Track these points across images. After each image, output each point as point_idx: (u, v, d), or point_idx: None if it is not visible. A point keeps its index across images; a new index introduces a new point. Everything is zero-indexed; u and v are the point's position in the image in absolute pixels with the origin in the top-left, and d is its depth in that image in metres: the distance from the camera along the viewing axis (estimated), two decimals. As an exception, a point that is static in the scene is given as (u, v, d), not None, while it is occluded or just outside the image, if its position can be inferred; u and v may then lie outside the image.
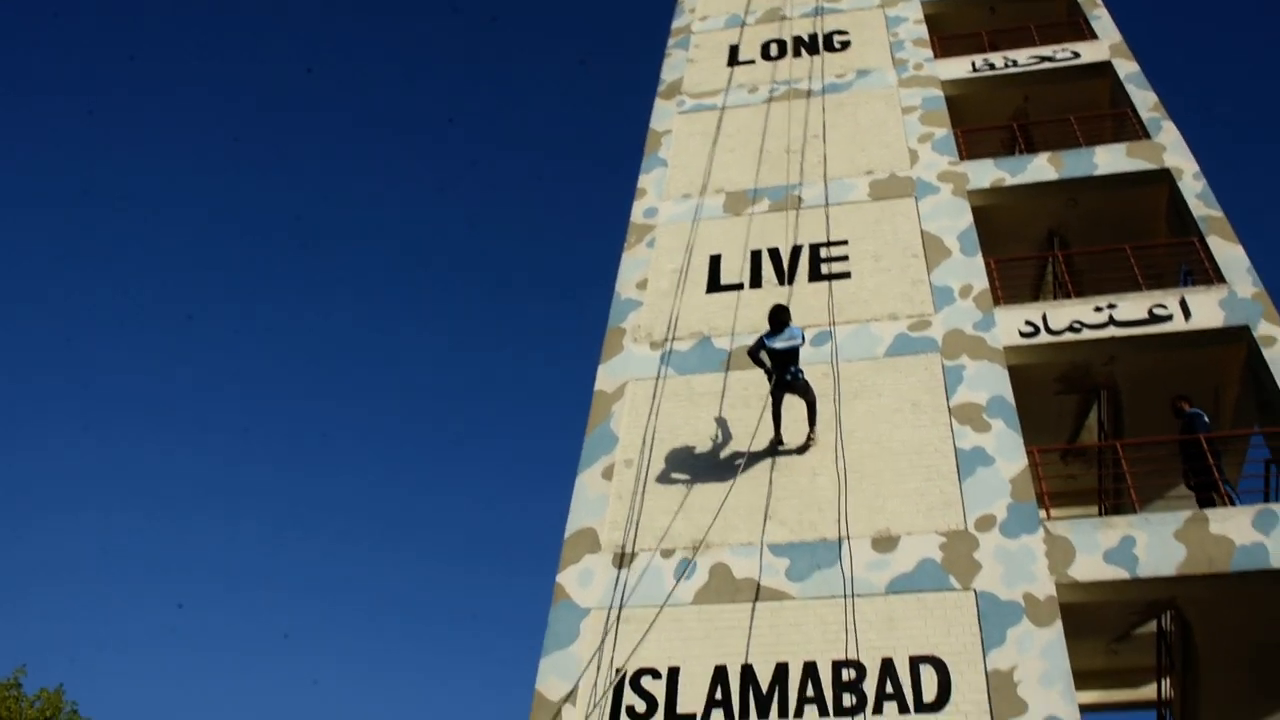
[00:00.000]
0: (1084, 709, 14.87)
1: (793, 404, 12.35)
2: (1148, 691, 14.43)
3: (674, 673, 10.56)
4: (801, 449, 12.25)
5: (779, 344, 11.83)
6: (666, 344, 14.14)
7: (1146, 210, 15.30)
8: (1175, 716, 13.17)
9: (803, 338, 12.02)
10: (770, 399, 12.18)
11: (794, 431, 12.41)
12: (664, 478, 12.47)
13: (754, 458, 12.34)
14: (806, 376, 12.11)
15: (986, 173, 15.66)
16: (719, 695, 10.29)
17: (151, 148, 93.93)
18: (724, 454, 12.58)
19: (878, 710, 9.84)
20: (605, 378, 13.91)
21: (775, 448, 12.34)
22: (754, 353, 12.05)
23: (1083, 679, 14.02)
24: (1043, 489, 11.84)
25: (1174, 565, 10.30)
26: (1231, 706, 12.08)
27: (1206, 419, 12.18)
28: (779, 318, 11.89)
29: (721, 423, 12.92)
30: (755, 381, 13.33)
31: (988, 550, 10.83)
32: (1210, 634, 11.50)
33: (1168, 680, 13.32)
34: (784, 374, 11.93)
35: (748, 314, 14.23)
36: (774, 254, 15.22)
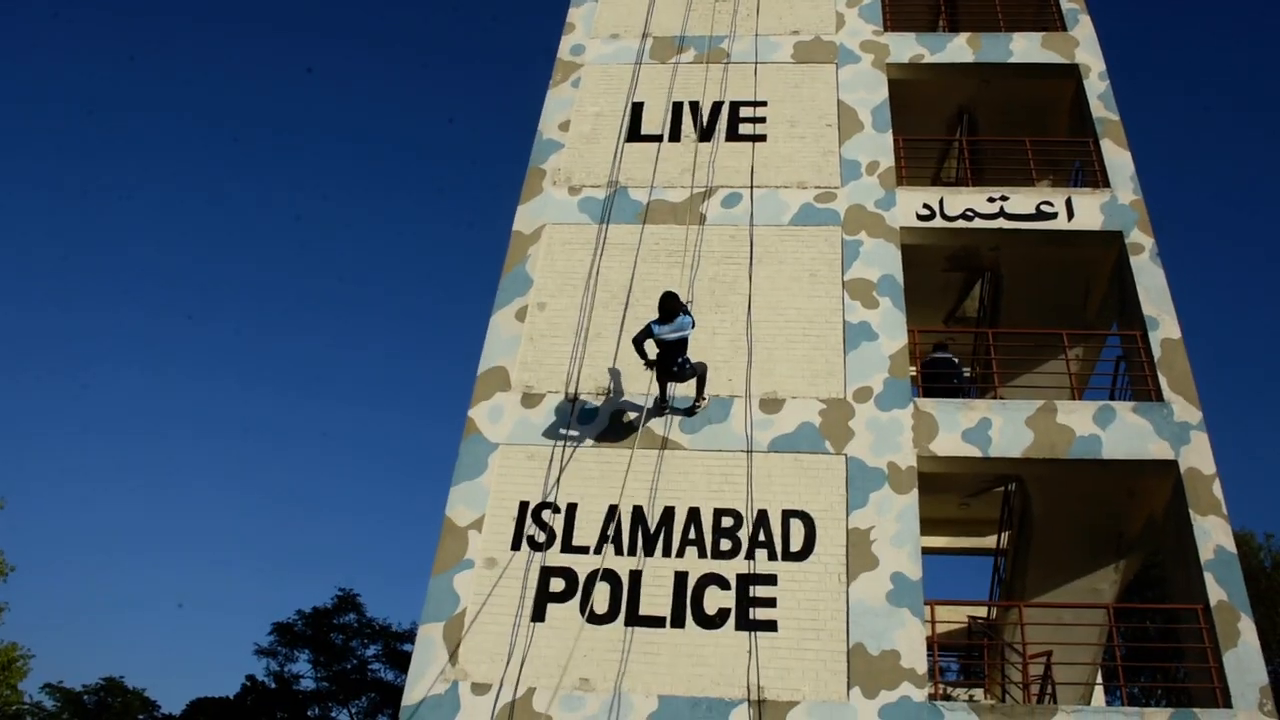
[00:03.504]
0: (934, 551, 16.77)
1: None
2: (988, 541, 16.21)
3: (572, 508, 11.60)
4: (689, 411, 12.06)
5: (668, 334, 11.30)
6: (583, 190, 14.58)
7: (1052, 102, 16.02)
8: (1008, 564, 14.92)
9: (692, 325, 11.43)
10: (656, 380, 11.84)
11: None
12: (574, 324, 13.17)
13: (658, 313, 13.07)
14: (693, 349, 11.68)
15: (907, 47, 16.11)
16: (610, 531, 11.40)
17: (151, 148, 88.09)
18: (631, 306, 13.25)
19: (750, 556, 11.08)
20: (524, 218, 14.35)
21: (661, 409, 12.03)
22: (639, 342, 11.52)
23: (935, 526, 15.78)
24: (918, 377, 12.94)
25: (1021, 448, 11.62)
26: (1054, 562, 13.75)
27: (954, 360, 13.66)
28: (669, 305, 11.28)
29: (632, 275, 13.55)
30: (668, 236, 14.00)
31: (861, 420, 11.97)
32: (1046, 504, 13.02)
33: (1006, 535, 15.01)
34: (670, 364, 11.47)
35: (666, 168, 14.72)
36: (694, 107, 15.60)
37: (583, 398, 12.43)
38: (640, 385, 12.33)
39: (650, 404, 12.09)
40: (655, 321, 11.37)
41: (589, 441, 12.08)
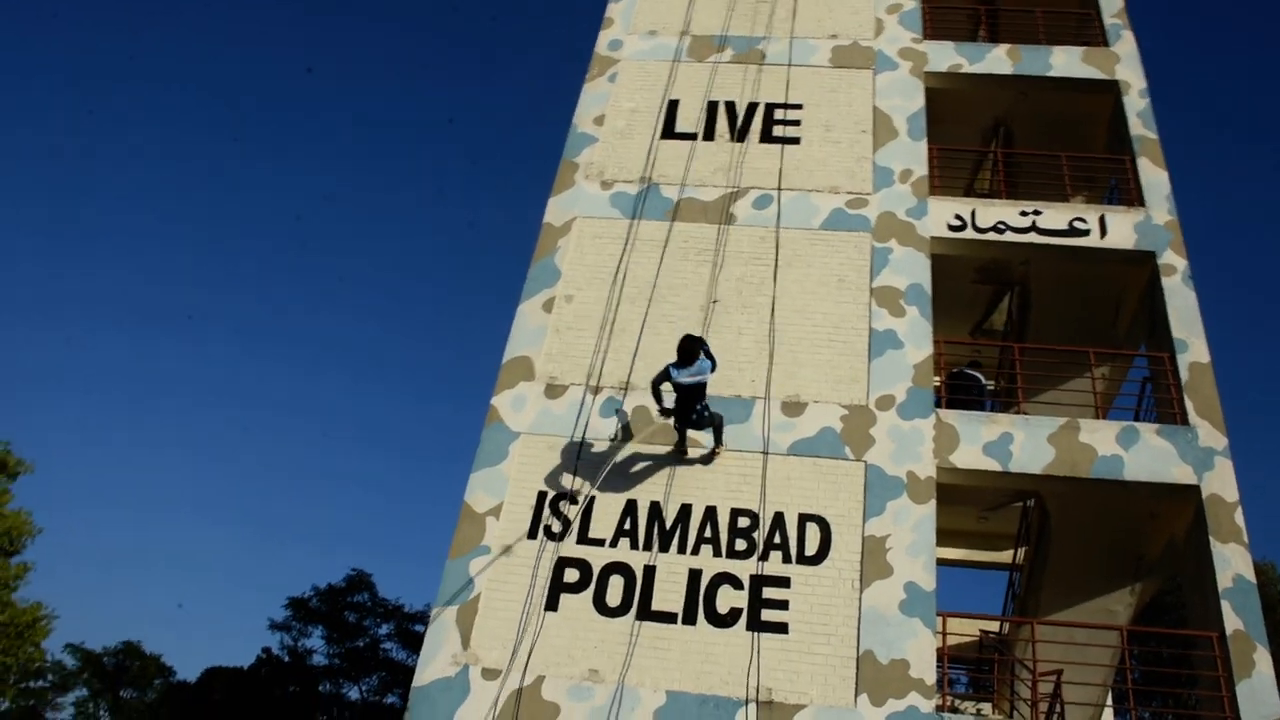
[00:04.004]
0: (949, 563, 16.73)
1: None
2: (1004, 556, 16.18)
3: (590, 501, 11.65)
4: (706, 459, 11.78)
5: (685, 379, 10.81)
6: (615, 185, 14.62)
7: (1090, 117, 15.93)
8: (1023, 579, 14.87)
9: (711, 369, 10.94)
10: (674, 427, 11.49)
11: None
12: (600, 318, 13.21)
13: (685, 312, 13.13)
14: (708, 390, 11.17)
15: (946, 56, 16.05)
16: (627, 526, 11.45)
17: (151, 148, 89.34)
18: (655, 303, 13.29)
19: (764, 557, 11.11)
20: (555, 210, 14.41)
21: (680, 455, 11.77)
22: (655, 385, 11.09)
23: (952, 537, 15.75)
24: (943, 388, 12.92)
25: (1042, 465, 11.58)
26: (1069, 581, 13.68)
27: (980, 381, 13.76)
28: (689, 347, 10.77)
29: (661, 272, 13.58)
30: (697, 235, 14.02)
31: (883, 427, 11.96)
32: (1064, 521, 12.97)
33: (1023, 550, 14.97)
34: (688, 411, 11.07)
35: (698, 166, 14.75)
36: (730, 107, 15.60)
37: (606, 391, 12.47)
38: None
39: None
40: (673, 365, 10.87)
41: (611, 435, 12.12)
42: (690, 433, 11.69)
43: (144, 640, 40.56)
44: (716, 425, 11.46)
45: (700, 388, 10.93)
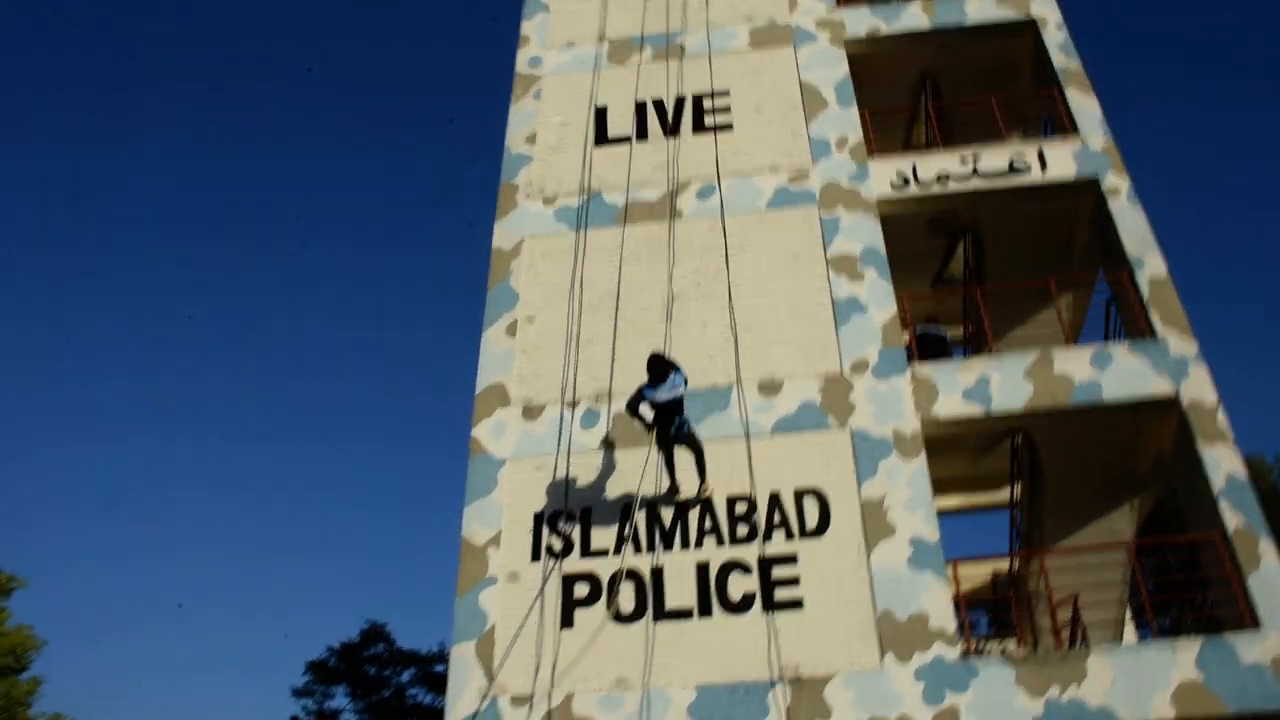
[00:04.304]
0: (950, 512, 16.84)
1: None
2: (1002, 495, 16.28)
3: (586, 513, 11.66)
4: (695, 501, 11.54)
5: (661, 396, 10.78)
6: (558, 200, 14.66)
7: (1014, 58, 16.13)
8: (1024, 515, 15.00)
9: (685, 383, 10.91)
10: (658, 451, 11.40)
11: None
12: (565, 332, 13.24)
13: (647, 313, 13.17)
14: (686, 416, 11.03)
15: (862, 21, 16.21)
16: (627, 532, 11.45)
17: (151, 148, 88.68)
18: (619, 309, 13.31)
19: (768, 538, 11.15)
20: (502, 234, 14.41)
21: (673, 496, 11.55)
22: (633, 407, 11.01)
23: (948, 486, 15.85)
24: (913, 343, 13.02)
25: (1022, 401, 11.71)
26: (1069, 509, 13.82)
27: (943, 334, 13.95)
28: (658, 366, 10.78)
29: (617, 278, 13.62)
30: (647, 236, 14.06)
31: (861, 392, 12.05)
32: (1053, 451, 13.12)
33: (1019, 486, 15.09)
34: (668, 427, 10.96)
35: (637, 168, 14.80)
36: (659, 105, 15.67)
37: (583, 404, 12.49)
38: (633, 385, 12.41)
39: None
40: (646, 385, 10.87)
41: (594, 446, 12.14)
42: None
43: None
44: (698, 454, 11.22)
45: (677, 402, 10.87)
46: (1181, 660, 9.70)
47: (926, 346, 13.55)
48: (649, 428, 11.18)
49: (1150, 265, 12.58)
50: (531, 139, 15.50)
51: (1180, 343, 11.87)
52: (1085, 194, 13.66)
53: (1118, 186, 13.35)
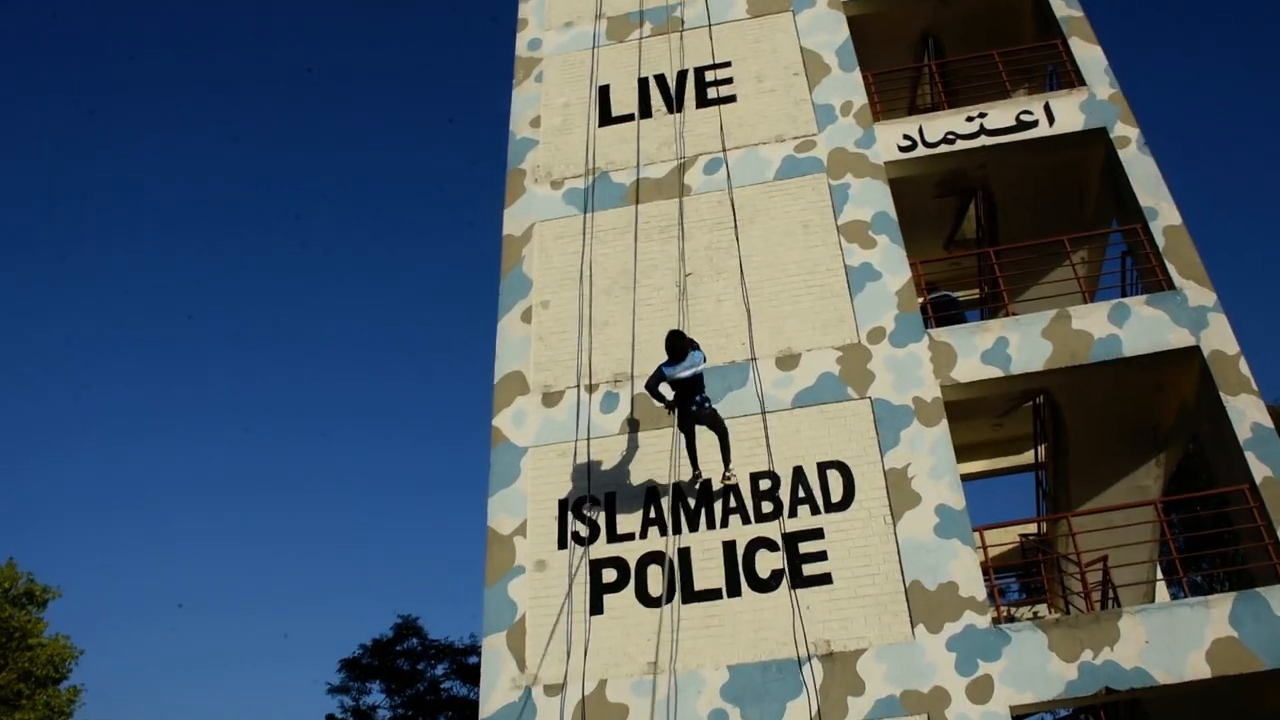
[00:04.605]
0: (975, 477, 16.77)
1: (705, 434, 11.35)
2: (1027, 458, 16.21)
3: (610, 498, 11.66)
4: (720, 490, 11.41)
5: (681, 373, 10.62)
6: (566, 182, 14.57)
7: (1014, 10, 15.92)
8: (1049, 476, 14.92)
9: (703, 359, 10.77)
10: (681, 434, 11.20)
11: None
12: (579, 316, 13.19)
13: (661, 292, 13.11)
14: (707, 398, 10.88)
15: (860, -20, 15.99)
16: (653, 514, 11.45)
17: (151, 148, 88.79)
18: (634, 288, 13.26)
19: (793, 514, 11.12)
20: (512, 221, 14.35)
21: (695, 485, 11.47)
22: (652, 386, 10.86)
23: (972, 451, 15.78)
24: (929, 312, 12.91)
25: (1042, 361, 11.59)
26: (1094, 468, 13.76)
27: (953, 297, 13.95)
28: (677, 344, 10.59)
29: (628, 258, 13.55)
30: (656, 213, 13.97)
31: (879, 360, 11.96)
32: (1076, 410, 13.02)
33: (1043, 447, 15.00)
34: (689, 404, 10.80)
35: (643, 146, 14.68)
36: (660, 80, 15.52)
37: (602, 387, 12.45)
38: (651, 365, 12.35)
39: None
40: (665, 363, 10.73)
41: (616, 429, 12.11)
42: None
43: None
44: (721, 434, 11.07)
45: (697, 379, 10.72)
46: (1215, 617, 9.63)
47: (939, 312, 13.45)
48: (669, 407, 11.03)
49: (1164, 215, 12.41)
50: (535, 122, 15.39)
51: (1199, 292, 11.72)
52: (1095, 145, 13.47)
53: (1127, 136, 13.16)
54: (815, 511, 11.09)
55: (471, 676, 32.92)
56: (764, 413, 11.80)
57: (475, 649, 31.62)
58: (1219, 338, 11.36)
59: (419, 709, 34.17)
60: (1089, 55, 14.13)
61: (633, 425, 12.06)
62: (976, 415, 14.01)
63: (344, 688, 34.78)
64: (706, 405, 10.89)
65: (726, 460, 11.18)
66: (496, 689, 10.59)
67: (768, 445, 11.57)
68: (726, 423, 11.23)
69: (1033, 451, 15.64)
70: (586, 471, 11.84)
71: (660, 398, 10.98)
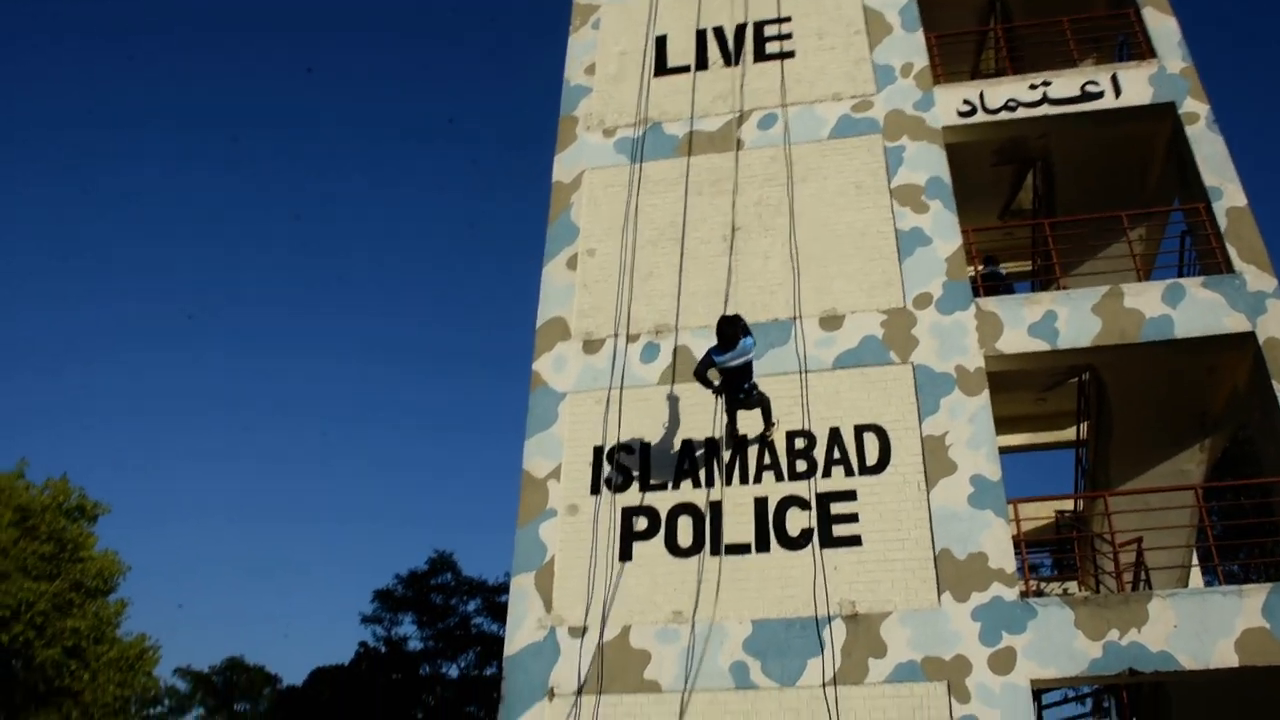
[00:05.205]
0: (1014, 450, 16.63)
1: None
2: (1068, 434, 16.02)
3: (645, 447, 11.71)
4: (757, 441, 11.45)
5: (731, 362, 10.43)
6: (618, 131, 14.49)
7: (1087, -26, 15.51)
8: (1090, 454, 14.75)
9: (754, 346, 10.53)
10: (725, 413, 11.31)
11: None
12: (625, 265, 13.17)
13: (708, 245, 13.05)
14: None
15: (929, -60, 15.62)
16: (686, 466, 11.49)
17: (151, 148, 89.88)
18: (681, 240, 13.22)
19: (826, 474, 11.11)
20: (562, 168, 14.32)
21: (733, 438, 11.48)
22: (700, 373, 10.72)
23: (1012, 424, 15.64)
24: (979, 283, 12.74)
25: (1090, 337, 11.42)
26: (1137, 448, 13.56)
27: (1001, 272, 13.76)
28: (728, 330, 10.33)
29: (677, 210, 13.49)
30: (708, 167, 13.87)
31: (924, 326, 11.85)
32: (1121, 389, 12.81)
33: (1085, 424, 14.83)
34: (736, 392, 10.73)
35: (698, 98, 14.55)
36: (719, 33, 15.33)
37: (643, 338, 12.46)
38: (699, 319, 12.34)
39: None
40: (714, 350, 10.48)
41: (654, 380, 12.13)
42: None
43: (245, 654, 41.60)
44: (764, 406, 11.07)
45: (746, 367, 10.55)
46: (1248, 606, 9.52)
47: (986, 286, 13.29)
48: (717, 392, 10.94)
49: (1229, 195, 12.11)
50: (590, 70, 15.29)
51: (1259, 277, 11.46)
52: (1161, 120, 13.14)
53: (1196, 112, 12.82)
54: (849, 473, 11.07)
55: (502, 614, 33.41)
56: (803, 372, 11.75)
57: (507, 587, 32.11)
58: (1276, 324, 11.11)
59: (449, 642, 34.81)
60: (1162, 26, 13.75)
61: (671, 377, 12.07)
62: (1020, 388, 13.84)
63: (376, 618, 35.51)
64: (755, 392, 10.82)
65: (767, 422, 11.23)
66: (522, 628, 10.75)
67: (805, 405, 11.54)
68: (765, 379, 11.21)
69: (1074, 428, 15.45)
70: (622, 420, 11.89)
71: (708, 384, 10.83)
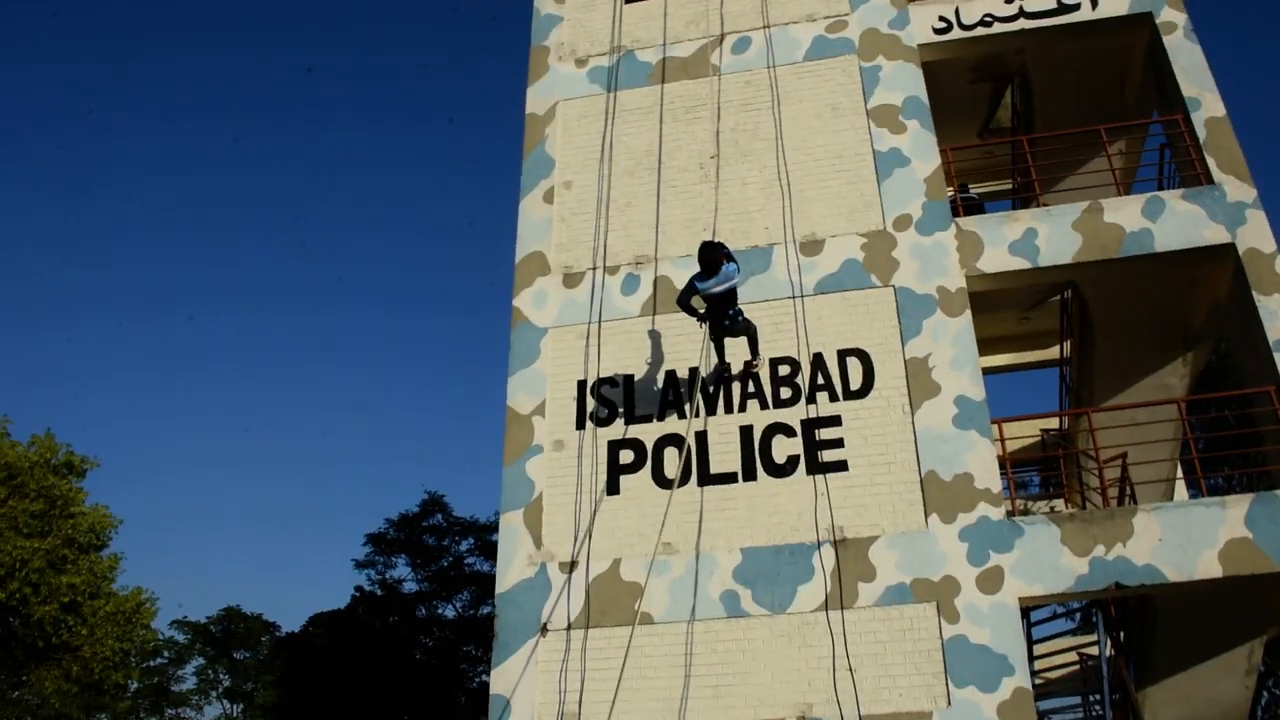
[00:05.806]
0: (998, 370, 16.64)
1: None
2: (1052, 353, 16.04)
3: (629, 380, 11.66)
4: (743, 374, 11.39)
5: (714, 288, 10.20)
6: (590, 60, 14.22)
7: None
8: (1074, 372, 14.78)
9: (738, 272, 10.32)
10: (710, 341, 11.08)
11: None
12: (603, 197, 13.00)
13: (686, 174, 12.89)
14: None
15: None
16: (671, 397, 11.46)
17: (152, 147, 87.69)
18: (658, 169, 13.04)
19: (811, 400, 11.09)
20: (535, 99, 14.06)
21: (722, 375, 11.39)
22: (684, 301, 10.52)
23: (996, 344, 15.63)
24: (958, 203, 12.61)
25: (1071, 253, 11.35)
26: (1120, 364, 13.58)
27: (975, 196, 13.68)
28: (710, 256, 10.11)
29: (653, 139, 13.29)
30: (682, 93, 13.65)
31: (905, 248, 11.76)
32: (1104, 305, 12.78)
33: (1069, 342, 14.83)
34: (721, 319, 10.57)
35: (670, 24, 14.26)
36: (691, -47, 14.98)
37: (623, 269, 12.34)
38: (678, 249, 12.23)
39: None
40: (697, 277, 10.26)
41: (636, 311, 12.04)
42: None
43: (242, 603, 41.86)
44: (751, 334, 10.89)
45: (731, 294, 10.36)
46: (1231, 517, 9.58)
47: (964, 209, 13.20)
48: (701, 320, 10.73)
49: (1208, 106, 11.98)
50: (560, -2, 14.96)
51: (1238, 188, 11.38)
52: (1139, 31, 12.95)
53: (1174, 21, 12.64)
54: (834, 399, 11.05)
55: (494, 553, 33.65)
56: (788, 299, 11.67)
57: (498, 527, 32.22)
58: (1256, 235, 11.06)
59: (443, 583, 35.04)
60: (1138, -67, 13.47)
61: (653, 308, 11.98)
62: (1002, 308, 13.82)
63: (370, 561, 35.67)
64: (740, 319, 10.61)
65: (754, 352, 11.13)
66: (513, 565, 10.78)
67: (794, 331, 11.48)
68: (747, 307, 11.12)
69: (1058, 347, 15.46)
70: (604, 353, 11.82)
71: (692, 311, 10.63)
